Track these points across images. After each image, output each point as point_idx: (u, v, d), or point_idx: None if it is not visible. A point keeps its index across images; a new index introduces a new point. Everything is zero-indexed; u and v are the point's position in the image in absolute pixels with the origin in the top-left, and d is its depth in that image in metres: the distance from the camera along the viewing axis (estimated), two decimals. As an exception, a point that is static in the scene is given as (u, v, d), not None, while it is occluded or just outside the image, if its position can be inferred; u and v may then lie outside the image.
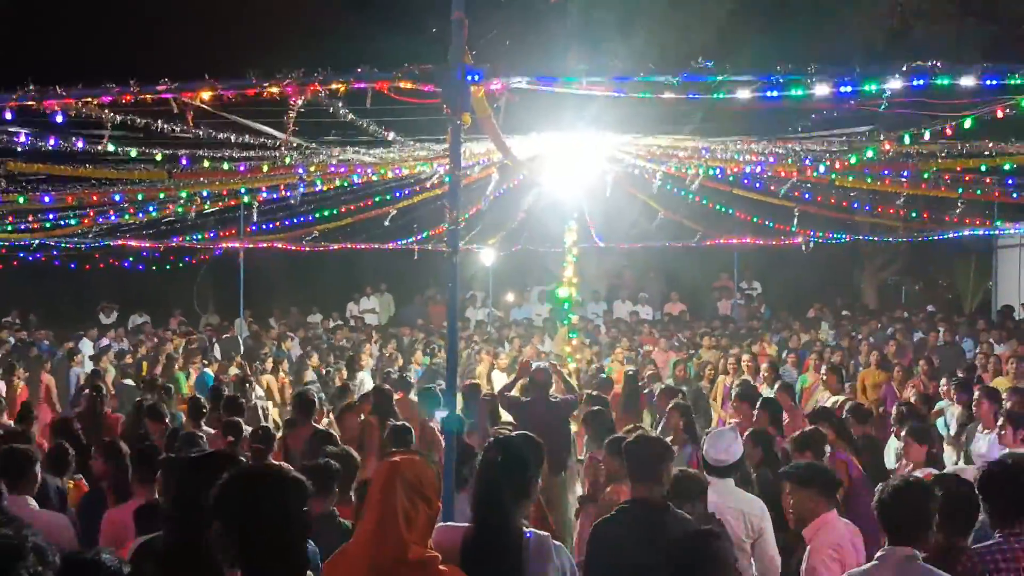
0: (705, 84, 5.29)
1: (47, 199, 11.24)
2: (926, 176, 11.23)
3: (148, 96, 5.32)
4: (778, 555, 5.28)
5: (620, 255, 21.13)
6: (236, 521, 2.46)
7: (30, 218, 13.75)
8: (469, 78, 4.55)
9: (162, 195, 12.33)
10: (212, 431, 7.91)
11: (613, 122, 9.57)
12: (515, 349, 14.35)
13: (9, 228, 14.21)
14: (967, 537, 4.27)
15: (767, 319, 18.85)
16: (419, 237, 18.14)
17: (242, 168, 9.71)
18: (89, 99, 5.52)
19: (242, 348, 15.80)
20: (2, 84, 5.63)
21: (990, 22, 17.12)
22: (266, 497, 2.53)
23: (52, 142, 7.70)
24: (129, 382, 12.12)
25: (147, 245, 17.57)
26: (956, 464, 7.79)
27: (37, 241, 16.07)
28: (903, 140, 8.15)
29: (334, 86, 5.23)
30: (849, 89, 5.26)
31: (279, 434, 8.28)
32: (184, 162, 8.93)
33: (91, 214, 13.74)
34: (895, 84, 5.22)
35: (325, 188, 12.62)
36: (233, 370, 12.66)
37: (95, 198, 11.90)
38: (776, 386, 9.70)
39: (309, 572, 2.62)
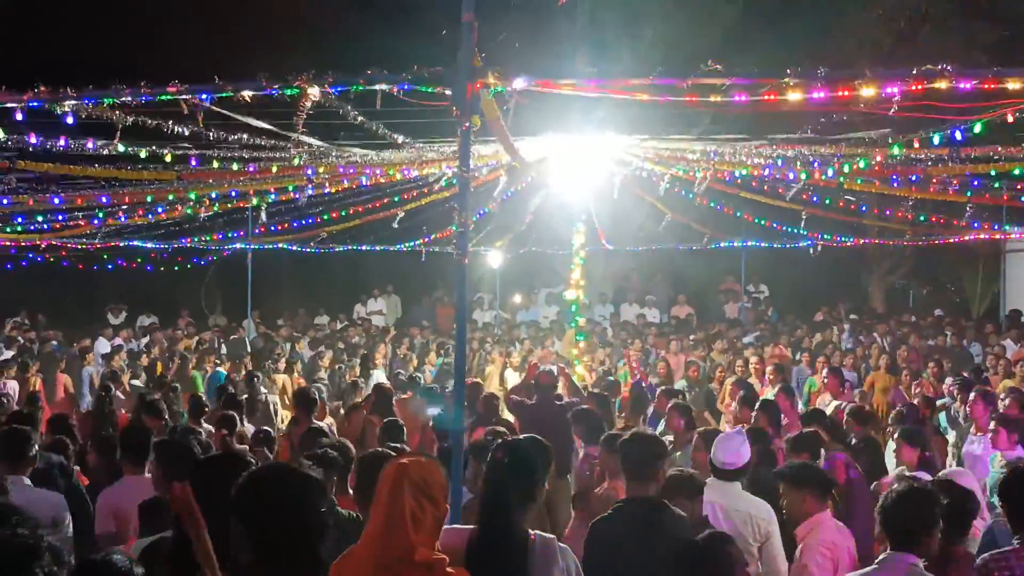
0: (713, 87, 5.29)
1: (56, 200, 11.29)
2: (934, 180, 11.22)
3: (159, 97, 5.34)
4: (785, 559, 5.28)
5: (627, 258, 21.10)
6: (251, 518, 2.49)
7: (39, 219, 13.82)
8: (486, 91, 4.55)
9: (171, 196, 12.36)
10: (212, 429, 7.98)
11: (621, 124, 9.58)
12: (524, 350, 14.37)
13: (19, 228, 14.27)
14: (963, 541, 4.28)
15: (774, 322, 18.82)
16: (426, 239, 18.16)
17: (251, 169, 9.74)
18: (101, 101, 5.54)
19: (249, 349, 15.83)
20: (8, 85, 5.66)
21: (997, 24, 17.09)
22: (280, 495, 2.56)
23: (62, 143, 7.74)
24: (137, 383, 12.17)
25: (155, 246, 17.63)
26: (949, 467, 7.79)
27: (45, 242, 16.14)
28: (911, 144, 8.14)
29: (343, 88, 5.25)
30: (858, 92, 5.25)
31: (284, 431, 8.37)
32: (193, 163, 8.97)
33: (104, 218, 13.81)
34: (904, 87, 5.21)
35: (333, 190, 12.65)
36: (244, 370, 12.72)
37: (104, 199, 11.94)
38: (776, 388, 9.73)
39: None
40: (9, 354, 13.51)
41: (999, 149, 9.04)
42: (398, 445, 6.41)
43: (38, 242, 16.03)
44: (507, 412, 9.01)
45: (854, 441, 7.77)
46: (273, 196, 13.05)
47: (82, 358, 13.44)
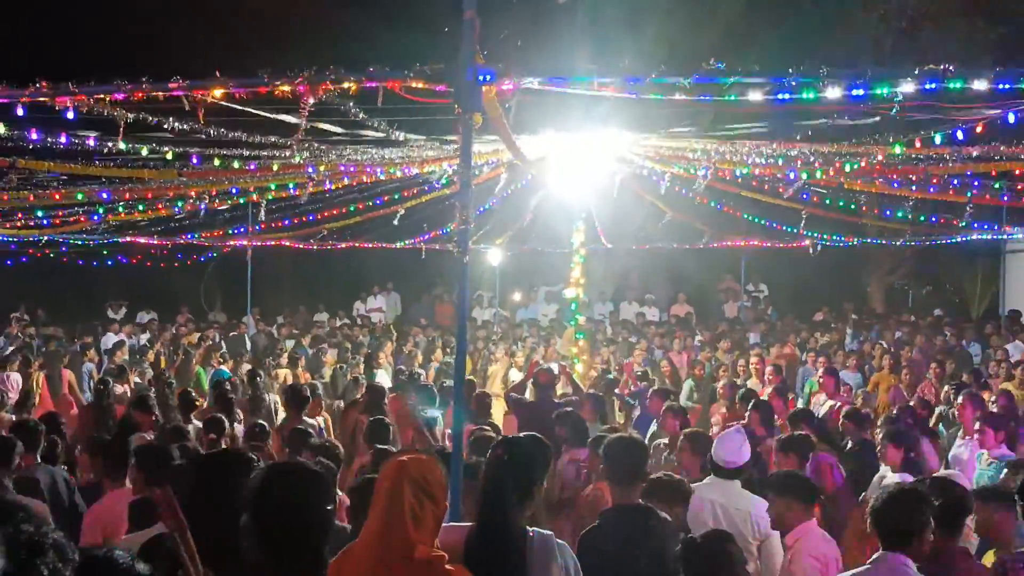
0: (716, 86, 5.29)
1: (58, 196, 11.29)
2: (935, 180, 11.21)
3: (160, 93, 5.33)
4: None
5: (627, 256, 21.10)
6: (256, 515, 2.50)
7: (39, 214, 13.81)
8: (480, 78, 4.55)
9: (172, 194, 12.36)
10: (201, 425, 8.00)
11: (622, 122, 9.57)
12: (526, 348, 14.37)
13: (19, 224, 14.26)
14: (957, 540, 4.30)
15: (773, 321, 18.83)
16: (424, 237, 18.15)
17: (252, 167, 9.73)
18: (102, 96, 5.53)
19: (248, 345, 15.82)
20: (10, 81, 5.66)
21: (1000, 23, 17.08)
22: (284, 492, 2.57)
23: (63, 139, 7.73)
24: (137, 380, 12.16)
25: (155, 242, 17.61)
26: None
27: (45, 237, 16.13)
28: (912, 144, 8.14)
29: (345, 85, 5.24)
30: (861, 92, 5.25)
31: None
32: (194, 160, 8.95)
33: (103, 214, 13.81)
34: (907, 87, 5.21)
35: (334, 187, 12.64)
36: (245, 367, 12.73)
37: (104, 196, 11.94)
38: (770, 389, 9.75)
39: None
40: (11, 349, 13.52)
41: (1001, 148, 9.02)
42: (383, 446, 6.41)
43: (39, 236, 16.02)
44: (496, 412, 9.00)
45: (850, 443, 7.79)
46: (274, 187, 13.02)
47: (83, 354, 13.45)
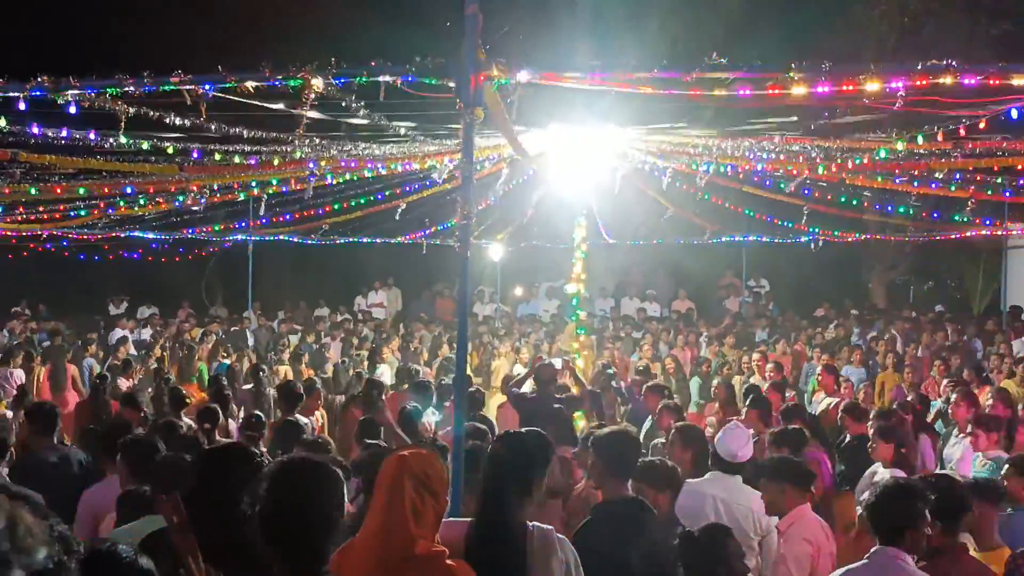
0: (717, 80, 5.28)
1: (59, 190, 11.29)
2: (938, 176, 11.18)
3: (162, 88, 5.32)
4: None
5: (628, 252, 21.11)
6: (262, 509, 2.51)
7: (40, 208, 13.80)
8: (490, 83, 4.53)
9: (173, 189, 12.35)
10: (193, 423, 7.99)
11: (624, 118, 9.55)
12: (530, 344, 14.36)
13: (20, 218, 14.26)
14: (956, 534, 4.31)
15: (774, 317, 18.82)
16: (424, 232, 18.15)
17: (253, 162, 9.72)
18: (104, 90, 5.53)
19: (250, 340, 15.82)
20: (11, 75, 5.65)
21: (1001, 19, 17.05)
22: (289, 486, 2.58)
23: (64, 133, 7.73)
24: (142, 376, 12.17)
25: (156, 237, 17.62)
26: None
27: (47, 232, 16.14)
28: (915, 140, 8.12)
29: (346, 79, 5.23)
30: (862, 88, 5.23)
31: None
32: (195, 155, 8.95)
33: (101, 205, 13.79)
34: (909, 82, 5.20)
35: (336, 181, 12.63)
36: (246, 362, 12.75)
37: (106, 190, 11.93)
38: (767, 385, 9.76)
39: None
40: (15, 343, 13.58)
41: (1003, 144, 9.01)
42: (374, 442, 6.41)
43: (40, 231, 16.03)
44: (491, 408, 8.98)
45: (848, 438, 7.80)
46: (275, 182, 13.02)
47: (84, 349, 13.47)
